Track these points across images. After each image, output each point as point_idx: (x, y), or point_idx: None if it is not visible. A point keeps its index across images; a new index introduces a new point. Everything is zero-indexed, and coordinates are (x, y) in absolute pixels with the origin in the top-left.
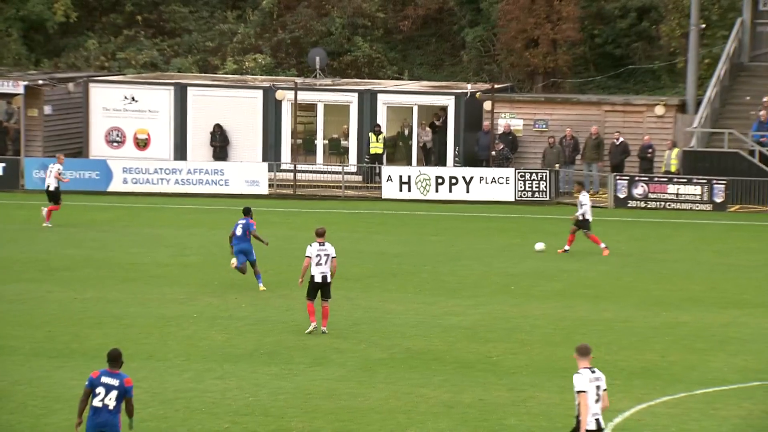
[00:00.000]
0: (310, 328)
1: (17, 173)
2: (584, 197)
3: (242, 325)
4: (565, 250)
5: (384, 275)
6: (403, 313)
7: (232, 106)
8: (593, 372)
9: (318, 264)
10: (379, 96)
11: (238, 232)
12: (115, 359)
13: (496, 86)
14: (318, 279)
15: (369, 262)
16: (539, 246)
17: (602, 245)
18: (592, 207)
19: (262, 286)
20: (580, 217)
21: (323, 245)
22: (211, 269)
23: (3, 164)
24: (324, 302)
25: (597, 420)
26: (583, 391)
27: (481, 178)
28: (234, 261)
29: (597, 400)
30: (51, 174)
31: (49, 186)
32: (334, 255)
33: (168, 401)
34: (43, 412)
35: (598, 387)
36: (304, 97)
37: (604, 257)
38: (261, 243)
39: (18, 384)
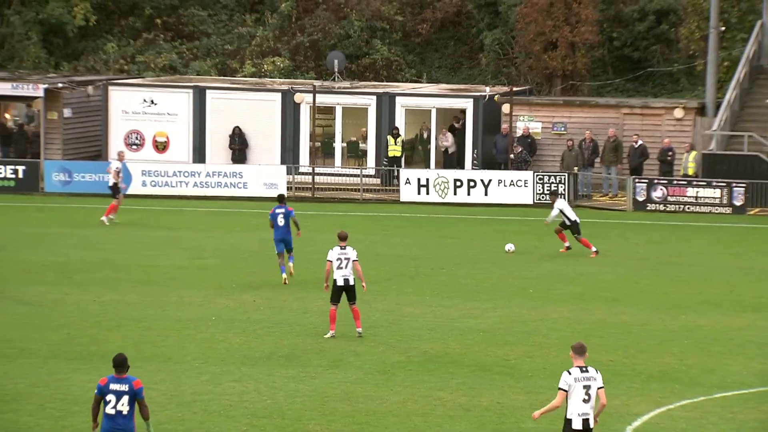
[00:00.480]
0: (329, 335)
1: (37, 176)
2: (559, 203)
3: (259, 328)
4: (596, 252)
5: (401, 278)
6: (421, 316)
7: (251, 109)
8: (585, 371)
9: (339, 267)
10: (398, 99)
11: (281, 222)
12: (120, 364)
13: (514, 89)
14: (340, 282)
15: (386, 265)
16: (509, 247)
17: (566, 243)
18: (612, 210)
19: (292, 268)
20: (567, 223)
21: (344, 249)
22: (229, 272)
23: (23, 167)
24: (352, 305)
25: (585, 420)
26: (563, 390)
27: (500, 181)
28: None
29: (586, 400)
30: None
31: (109, 182)
32: (355, 258)
33: (185, 404)
34: (61, 414)
35: (587, 387)
36: (323, 99)
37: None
38: (295, 230)
39: (36, 386)
